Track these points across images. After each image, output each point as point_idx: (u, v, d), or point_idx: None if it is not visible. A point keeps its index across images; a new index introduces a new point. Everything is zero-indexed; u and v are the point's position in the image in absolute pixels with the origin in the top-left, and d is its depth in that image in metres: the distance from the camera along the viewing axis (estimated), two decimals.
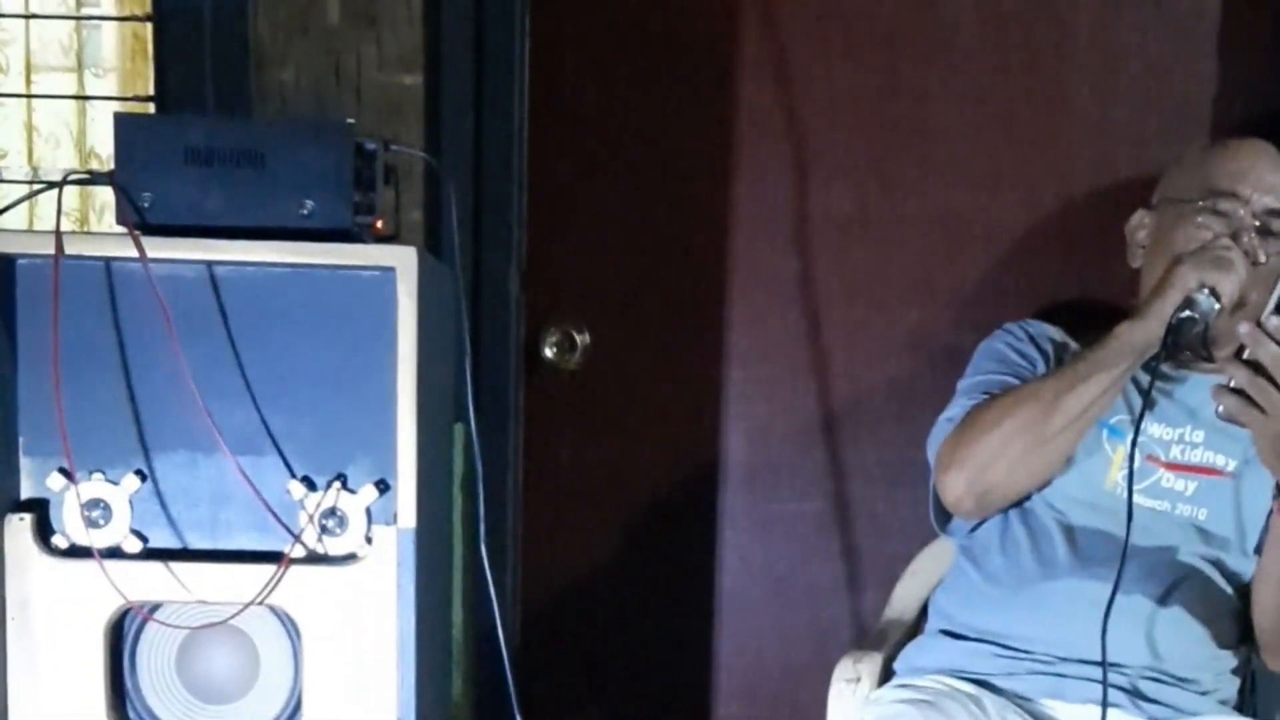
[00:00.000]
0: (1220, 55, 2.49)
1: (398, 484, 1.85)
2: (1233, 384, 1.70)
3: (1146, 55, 2.51)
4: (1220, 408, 1.72)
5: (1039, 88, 2.53)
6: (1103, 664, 1.83)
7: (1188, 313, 1.85)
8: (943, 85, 2.54)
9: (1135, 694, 1.96)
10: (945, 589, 2.19)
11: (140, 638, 1.90)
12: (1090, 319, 2.07)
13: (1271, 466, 1.79)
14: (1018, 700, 1.99)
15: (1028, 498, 2.05)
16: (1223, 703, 2.03)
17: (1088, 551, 2.00)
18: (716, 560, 2.68)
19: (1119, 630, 1.88)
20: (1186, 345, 1.94)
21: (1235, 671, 2.06)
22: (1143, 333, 1.89)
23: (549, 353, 2.63)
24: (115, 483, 1.85)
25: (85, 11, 2.76)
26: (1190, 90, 2.51)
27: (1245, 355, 1.69)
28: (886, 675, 2.14)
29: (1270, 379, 1.68)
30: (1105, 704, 1.83)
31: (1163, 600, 1.98)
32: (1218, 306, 1.87)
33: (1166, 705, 1.97)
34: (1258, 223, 2.01)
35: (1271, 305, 1.70)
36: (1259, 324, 1.68)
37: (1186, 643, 1.99)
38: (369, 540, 1.86)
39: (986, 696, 1.98)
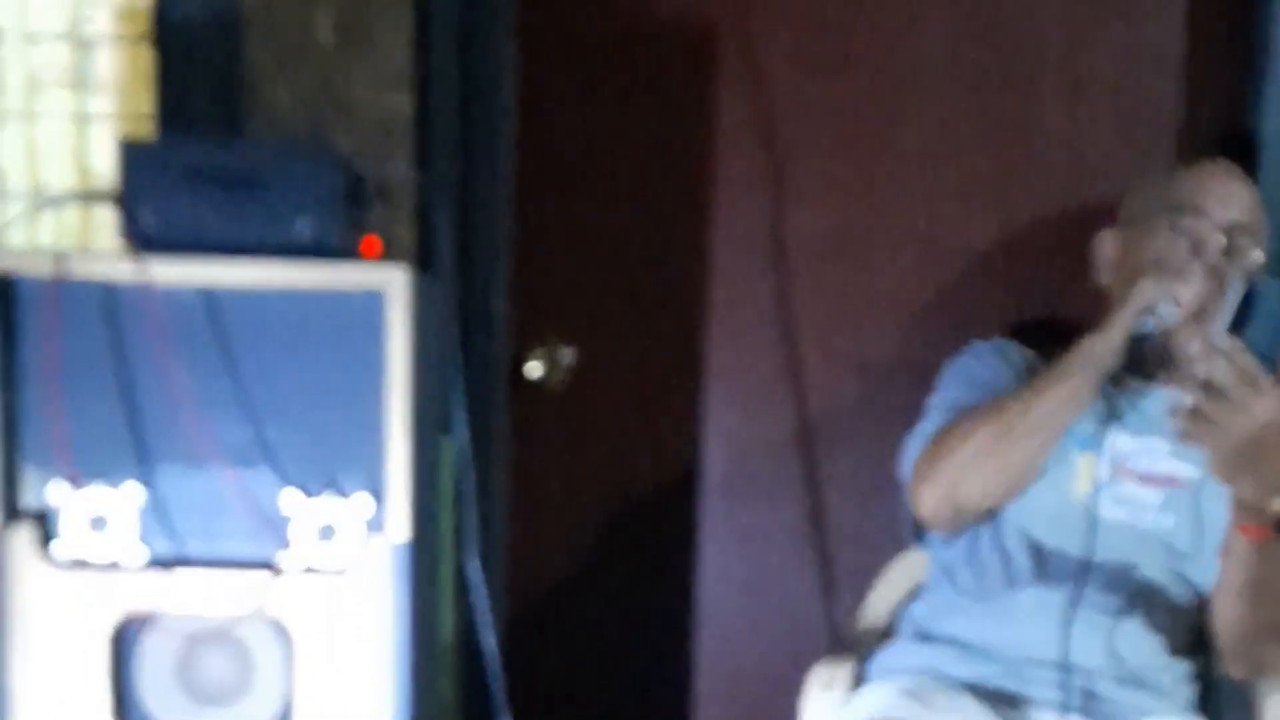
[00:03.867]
0: (1187, 79, 2.52)
1: (388, 497, 1.88)
2: (1187, 403, 1.74)
3: (1115, 79, 2.53)
4: (1176, 426, 1.75)
5: (1011, 110, 2.56)
6: (1065, 666, 1.87)
7: (1148, 323, 1.90)
8: (917, 107, 2.57)
9: (1096, 698, 2.00)
10: (918, 601, 2.22)
11: (140, 646, 1.93)
12: (1060, 337, 2.08)
13: (1227, 482, 1.81)
14: (984, 702, 2.02)
15: (999, 509, 2.07)
16: (1181, 707, 2.06)
17: (1054, 567, 2.03)
18: (695, 569, 2.70)
19: (1081, 636, 1.92)
20: (1149, 355, 1.98)
21: (1194, 677, 2.10)
22: (1104, 344, 1.93)
23: (534, 369, 2.65)
24: (114, 494, 1.89)
25: (84, 32, 2.76)
26: (1158, 113, 2.53)
27: (1199, 374, 1.72)
28: (860, 681, 2.18)
29: (1222, 396, 1.71)
30: (1069, 706, 1.88)
31: (1124, 608, 2.02)
32: (1178, 316, 1.91)
33: (1125, 708, 2.00)
34: (1221, 239, 2.03)
35: (1223, 324, 1.75)
36: (1210, 343, 1.72)
37: (1147, 649, 2.03)
38: (360, 552, 1.89)
39: (962, 697, 2.02)
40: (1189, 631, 2.08)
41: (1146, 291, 1.91)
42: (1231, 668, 2.05)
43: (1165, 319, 1.90)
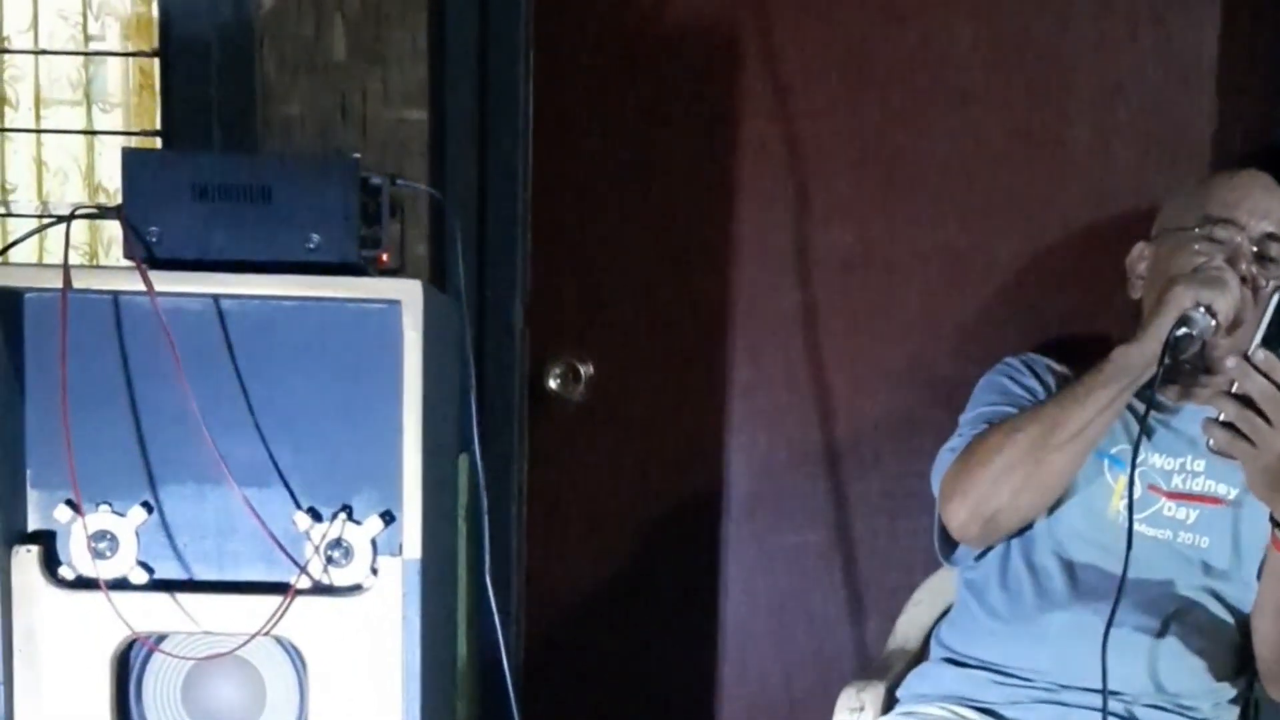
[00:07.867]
0: (1218, 91, 2.50)
1: (403, 515, 1.85)
2: (1222, 417, 1.72)
3: (1145, 91, 2.52)
4: (1210, 441, 1.74)
5: (1039, 123, 2.54)
6: (1103, 691, 1.84)
7: (1184, 330, 1.85)
8: (944, 120, 2.55)
9: None
10: (948, 623, 2.19)
11: (146, 668, 1.90)
12: (1090, 352, 2.05)
13: (1263, 498, 1.80)
14: None
15: (1030, 526, 2.05)
16: None
17: (1088, 585, 2.01)
18: (719, 590, 2.68)
19: (1119, 659, 1.88)
20: (1185, 363, 1.95)
21: (1235, 700, 2.07)
22: (1139, 352, 1.90)
23: (553, 384, 2.64)
24: (122, 514, 1.86)
25: (93, 47, 2.78)
26: (1189, 125, 2.52)
27: (1234, 389, 1.71)
28: (890, 705, 2.14)
29: (1259, 412, 1.69)
30: None
31: (1162, 630, 1.99)
32: (1214, 324, 1.87)
33: None
34: (1254, 248, 2.02)
35: (1259, 337, 1.71)
36: (1246, 357, 1.69)
37: (1186, 672, 2.00)
38: (374, 571, 1.86)
39: None
40: (1230, 654, 2.05)
41: (1182, 298, 1.87)
42: (1272, 690, 2.03)
43: (1201, 328, 1.86)
